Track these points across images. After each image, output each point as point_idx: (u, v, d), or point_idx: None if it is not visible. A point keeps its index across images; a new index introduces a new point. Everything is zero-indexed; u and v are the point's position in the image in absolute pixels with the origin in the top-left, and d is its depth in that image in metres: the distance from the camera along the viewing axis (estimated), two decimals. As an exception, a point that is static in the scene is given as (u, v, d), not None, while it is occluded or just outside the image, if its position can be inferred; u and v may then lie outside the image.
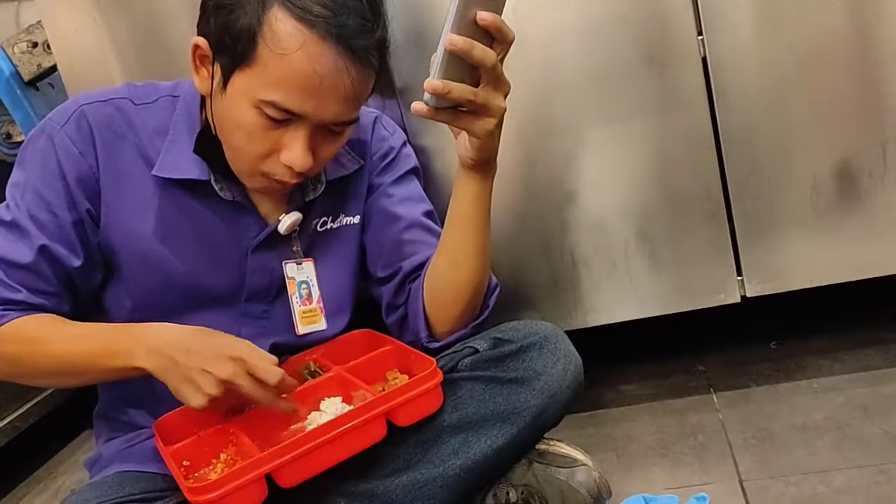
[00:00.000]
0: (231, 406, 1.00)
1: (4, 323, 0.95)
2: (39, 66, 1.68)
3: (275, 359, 0.93)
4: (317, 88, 0.89)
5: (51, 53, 1.59)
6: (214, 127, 0.99)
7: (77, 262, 0.99)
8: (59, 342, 0.95)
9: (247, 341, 0.94)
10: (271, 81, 0.89)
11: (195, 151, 1.01)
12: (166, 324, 0.95)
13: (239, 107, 0.92)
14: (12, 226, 0.98)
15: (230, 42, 0.90)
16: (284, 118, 0.91)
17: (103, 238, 1.02)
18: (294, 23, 0.87)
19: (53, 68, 1.63)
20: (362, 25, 0.89)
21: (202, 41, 0.94)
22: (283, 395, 0.96)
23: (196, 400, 0.89)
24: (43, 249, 0.97)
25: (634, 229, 1.33)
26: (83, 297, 1.04)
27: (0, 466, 1.72)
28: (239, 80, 0.91)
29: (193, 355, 0.89)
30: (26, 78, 1.68)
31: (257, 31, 0.88)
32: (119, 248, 1.02)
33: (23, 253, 0.97)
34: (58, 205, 0.98)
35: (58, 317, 0.98)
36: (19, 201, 0.99)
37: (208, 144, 1.00)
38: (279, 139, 0.93)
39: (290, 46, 0.87)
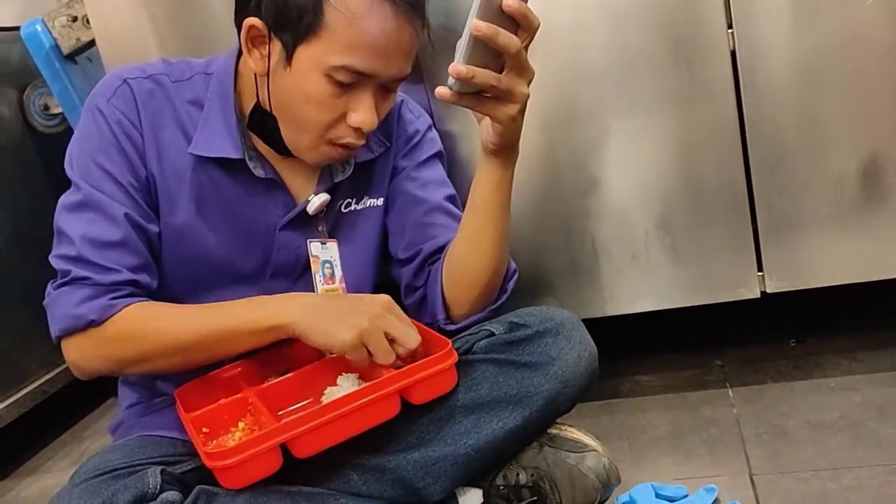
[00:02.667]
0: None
1: (117, 312, 0.96)
2: (78, 39, 1.71)
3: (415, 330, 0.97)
4: (385, 47, 0.93)
5: (90, 28, 1.62)
6: (270, 105, 1.01)
7: (155, 228, 1.03)
8: (180, 319, 0.98)
9: (388, 298, 0.98)
10: (342, 46, 0.92)
11: (249, 127, 1.03)
12: (303, 293, 1.04)
13: (308, 78, 0.95)
14: (86, 206, 0.99)
15: (295, 16, 0.93)
16: (354, 80, 0.95)
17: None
18: None
19: (92, 42, 1.66)
20: None
21: (257, 22, 0.96)
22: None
23: (348, 333, 0.91)
24: (127, 218, 0.99)
25: (655, 220, 1.33)
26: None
27: (27, 430, 1.77)
28: (305, 52, 0.94)
29: (341, 304, 0.96)
30: (65, 51, 1.71)
31: (323, 1, 0.91)
32: (157, 220, 1.05)
33: (109, 230, 0.98)
34: (123, 174, 1.00)
35: (165, 304, 1.01)
36: (86, 179, 1.00)
37: (261, 122, 1.03)
38: (347, 104, 0.97)
39: (360, 10, 0.91)
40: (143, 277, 1.01)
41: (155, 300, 1.02)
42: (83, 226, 0.98)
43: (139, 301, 0.99)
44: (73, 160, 1.02)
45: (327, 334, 0.93)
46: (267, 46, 0.96)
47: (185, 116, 1.04)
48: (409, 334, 0.95)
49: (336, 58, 0.93)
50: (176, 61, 1.09)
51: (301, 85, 0.95)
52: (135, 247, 1.00)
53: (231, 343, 0.98)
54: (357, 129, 0.98)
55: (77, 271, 0.97)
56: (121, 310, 0.97)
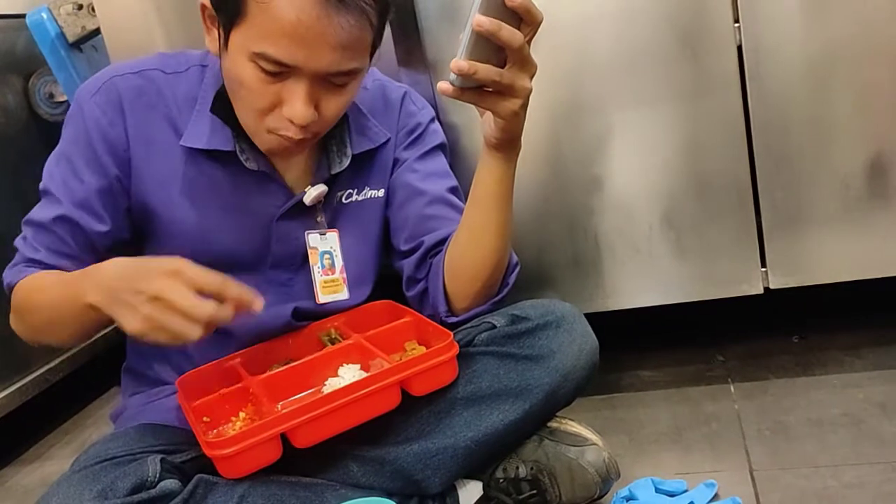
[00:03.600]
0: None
1: (21, 279, 1.01)
2: (84, 28, 1.71)
3: (218, 275, 0.86)
4: (303, 37, 0.88)
5: (95, 16, 1.62)
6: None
7: (102, 228, 1.03)
8: (46, 290, 0.99)
9: (183, 259, 0.86)
10: (260, 33, 0.89)
11: (212, 111, 1.03)
12: (116, 258, 0.92)
13: (238, 63, 0.93)
14: (46, 192, 1.04)
15: None
16: (279, 70, 0.91)
17: (136, 206, 1.05)
18: None
19: (97, 31, 1.66)
20: None
21: (206, 1, 0.95)
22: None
23: (130, 323, 0.84)
24: (63, 217, 1.01)
25: (659, 214, 1.33)
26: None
27: (30, 418, 1.78)
28: (235, 36, 0.92)
29: (127, 279, 0.86)
30: (71, 39, 1.71)
31: None
32: (152, 216, 1.05)
33: (44, 215, 1.02)
34: (85, 171, 1.02)
35: (55, 271, 1.01)
36: (54, 169, 1.04)
37: (225, 106, 1.02)
38: (279, 93, 0.93)
39: None
40: (65, 263, 1.02)
41: None
42: (36, 208, 1.05)
43: (38, 271, 1.01)
44: (55, 149, 1.06)
45: (120, 321, 0.86)
46: (217, 27, 0.96)
47: (177, 111, 1.04)
48: (192, 308, 0.82)
49: (255, 44, 0.90)
50: (173, 53, 1.09)
51: (234, 69, 0.94)
52: (61, 238, 1.02)
53: (76, 322, 0.96)
54: (292, 122, 0.94)
55: (18, 240, 1.05)
56: (23, 278, 1.01)
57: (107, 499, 0.84)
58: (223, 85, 1.01)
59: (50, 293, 0.98)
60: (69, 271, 1.01)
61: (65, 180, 1.02)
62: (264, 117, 0.96)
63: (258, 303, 0.89)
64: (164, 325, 0.82)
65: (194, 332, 0.82)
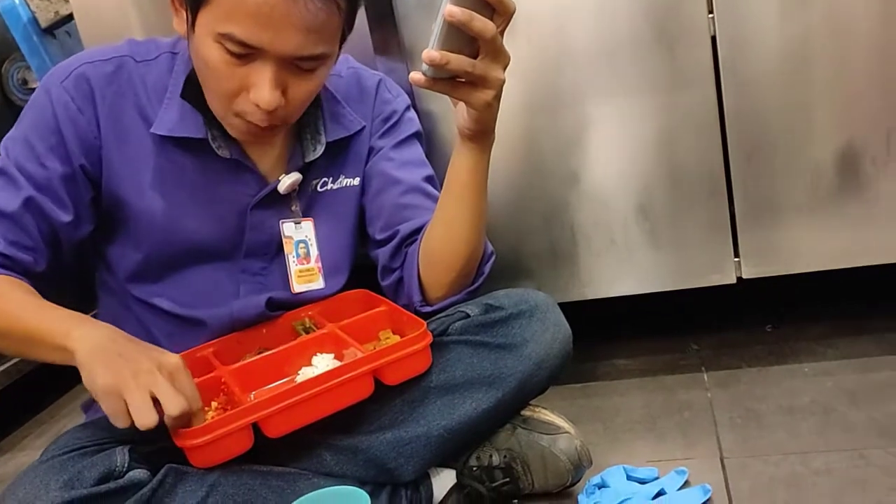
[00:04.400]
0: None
1: None
2: (56, 13, 1.69)
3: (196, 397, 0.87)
4: (268, 18, 0.87)
5: (68, 2, 1.60)
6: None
7: (65, 217, 1.00)
8: (12, 304, 0.93)
9: (181, 360, 0.87)
10: (226, 13, 0.88)
11: (182, 96, 1.02)
12: (112, 329, 0.91)
13: (205, 44, 0.92)
14: (2, 173, 0.99)
15: None
16: (244, 52, 0.90)
17: (108, 195, 1.03)
18: None
19: (70, 16, 1.64)
20: None
21: None
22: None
23: (105, 378, 0.82)
24: (29, 201, 0.97)
25: (635, 205, 1.33)
26: (65, 257, 1.03)
27: (3, 408, 1.76)
28: (202, 16, 0.91)
29: (129, 350, 0.86)
30: (43, 25, 1.69)
31: None
32: (123, 205, 1.04)
33: (7, 202, 0.97)
34: (48, 157, 0.99)
35: (26, 285, 0.96)
36: (10, 152, 1.00)
37: (196, 91, 1.01)
38: (246, 77, 0.92)
39: None
40: (25, 257, 0.98)
41: (111, 281, 1.03)
42: None
43: (5, 274, 0.96)
44: (11, 133, 1.02)
45: (90, 374, 0.83)
46: (185, 8, 0.94)
47: (146, 99, 1.03)
48: (172, 400, 0.82)
49: (221, 25, 0.89)
50: (143, 40, 1.07)
51: (201, 50, 0.93)
52: (26, 228, 0.98)
53: (33, 347, 0.91)
54: (258, 107, 0.93)
55: None
56: None
57: (73, 489, 0.83)
58: (193, 69, 1.00)
59: (17, 309, 0.92)
60: (29, 266, 0.98)
61: (25, 165, 0.98)
62: (231, 101, 0.95)
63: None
64: (130, 394, 0.81)
65: (149, 420, 0.81)
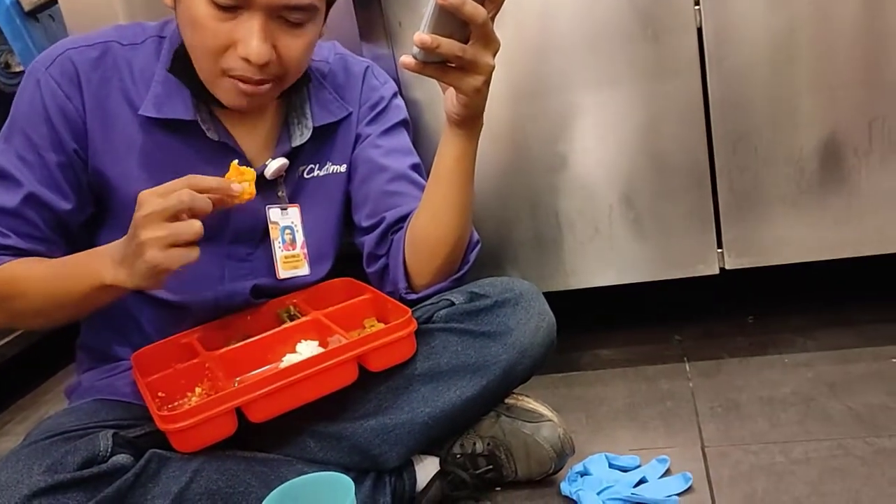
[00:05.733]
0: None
1: None
2: (40, -4, 1.67)
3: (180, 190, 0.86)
4: None
5: (51, -16, 1.58)
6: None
7: (67, 205, 1.01)
8: (39, 278, 0.96)
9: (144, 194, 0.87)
10: None
11: (169, 70, 1.01)
12: (110, 244, 0.93)
13: (191, 2, 0.92)
14: (2, 174, 1.00)
15: None
16: (231, 4, 0.90)
17: (94, 180, 1.03)
18: None
19: (54, 0, 1.62)
20: None
21: None
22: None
23: (150, 267, 0.85)
24: (29, 196, 0.98)
25: (619, 195, 1.34)
26: (78, 240, 1.04)
27: (-15, 394, 1.76)
28: None
29: (125, 244, 0.88)
30: (27, 8, 1.67)
31: None
32: (110, 190, 1.03)
33: (8, 199, 0.98)
34: (44, 146, 0.99)
35: (43, 258, 0.99)
36: (7, 145, 1.00)
37: (184, 66, 1.00)
38: (233, 31, 0.92)
39: None
40: (40, 248, 1.00)
41: None
42: None
43: (14, 259, 0.97)
44: (5, 124, 1.02)
45: (141, 279, 0.86)
46: None
47: (132, 84, 1.02)
48: (187, 228, 0.85)
49: None
50: (129, 24, 1.07)
51: (188, 8, 0.93)
52: (31, 221, 0.99)
53: (78, 302, 0.94)
54: (247, 62, 0.93)
55: None
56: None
57: (56, 473, 0.83)
58: (181, 44, 1.00)
59: (45, 279, 0.95)
60: (45, 255, 0.99)
61: (23, 158, 0.99)
62: (219, 58, 0.95)
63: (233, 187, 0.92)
64: (171, 257, 0.84)
65: (192, 242, 0.86)
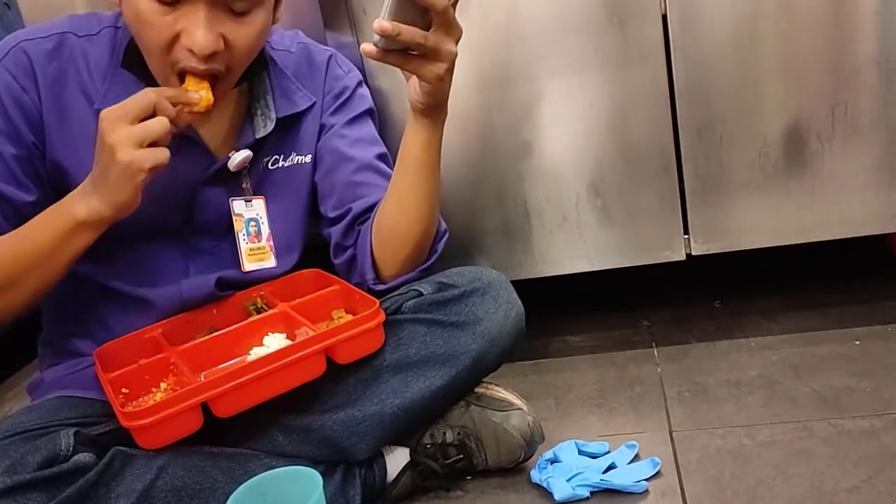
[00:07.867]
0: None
1: None
2: (-7, -16, 1.63)
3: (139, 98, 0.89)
4: None
5: (5, -28, 1.54)
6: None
7: (29, 197, 0.98)
8: (4, 242, 0.94)
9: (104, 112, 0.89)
10: None
11: (122, 66, 1.00)
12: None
13: None
14: None
15: None
16: None
17: (52, 172, 1.01)
18: None
19: (8, -12, 1.59)
20: None
21: None
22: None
23: (126, 195, 0.88)
24: None
25: (587, 182, 1.34)
26: None
27: (-54, 391, 1.72)
28: None
29: (95, 171, 0.89)
30: (-20, -4, 1.63)
31: None
32: (68, 184, 1.01)
33: None
34: (2, 141, 0.97)
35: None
36: None
37: (138, 62, 0.98)
38: (177, 23, 0.90)
39: None
40: None
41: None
42: None
43: None
44: None
45: (119, 196, 0.89)
46: None
47: (89, 76, 1.00)
48: (156, 124, 0.88)
49: None
50: (84, 14, 1.04)
51: (131, 5, 0.91)
52: None
53: (50, 261, 0.94)
54: (193, 53, 0.91)
55: None
56: None
57: (16, 473, 0.81)
58: (132, 39, 0.98)
59: (12, 240, 0.94)
60: None
61: None
62: (167, 54, 0.92)
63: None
64: (143, 155, 0.86)
65: (162, 142, 0.88)
